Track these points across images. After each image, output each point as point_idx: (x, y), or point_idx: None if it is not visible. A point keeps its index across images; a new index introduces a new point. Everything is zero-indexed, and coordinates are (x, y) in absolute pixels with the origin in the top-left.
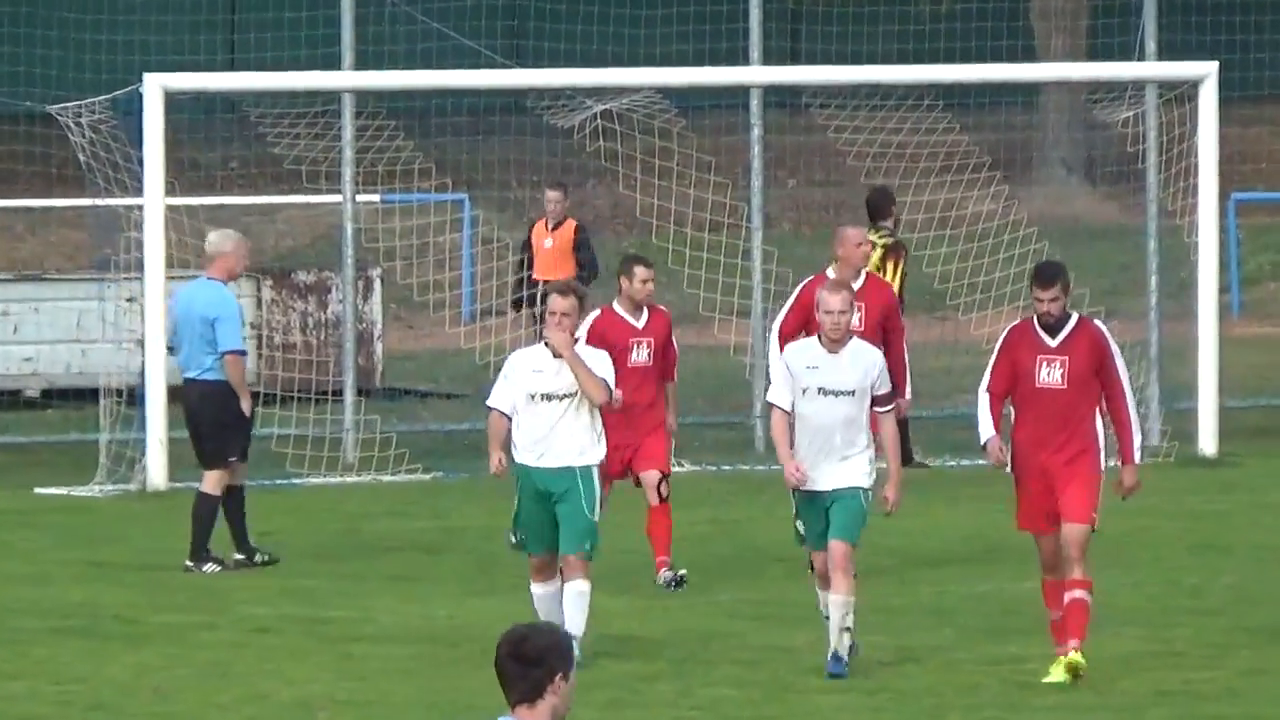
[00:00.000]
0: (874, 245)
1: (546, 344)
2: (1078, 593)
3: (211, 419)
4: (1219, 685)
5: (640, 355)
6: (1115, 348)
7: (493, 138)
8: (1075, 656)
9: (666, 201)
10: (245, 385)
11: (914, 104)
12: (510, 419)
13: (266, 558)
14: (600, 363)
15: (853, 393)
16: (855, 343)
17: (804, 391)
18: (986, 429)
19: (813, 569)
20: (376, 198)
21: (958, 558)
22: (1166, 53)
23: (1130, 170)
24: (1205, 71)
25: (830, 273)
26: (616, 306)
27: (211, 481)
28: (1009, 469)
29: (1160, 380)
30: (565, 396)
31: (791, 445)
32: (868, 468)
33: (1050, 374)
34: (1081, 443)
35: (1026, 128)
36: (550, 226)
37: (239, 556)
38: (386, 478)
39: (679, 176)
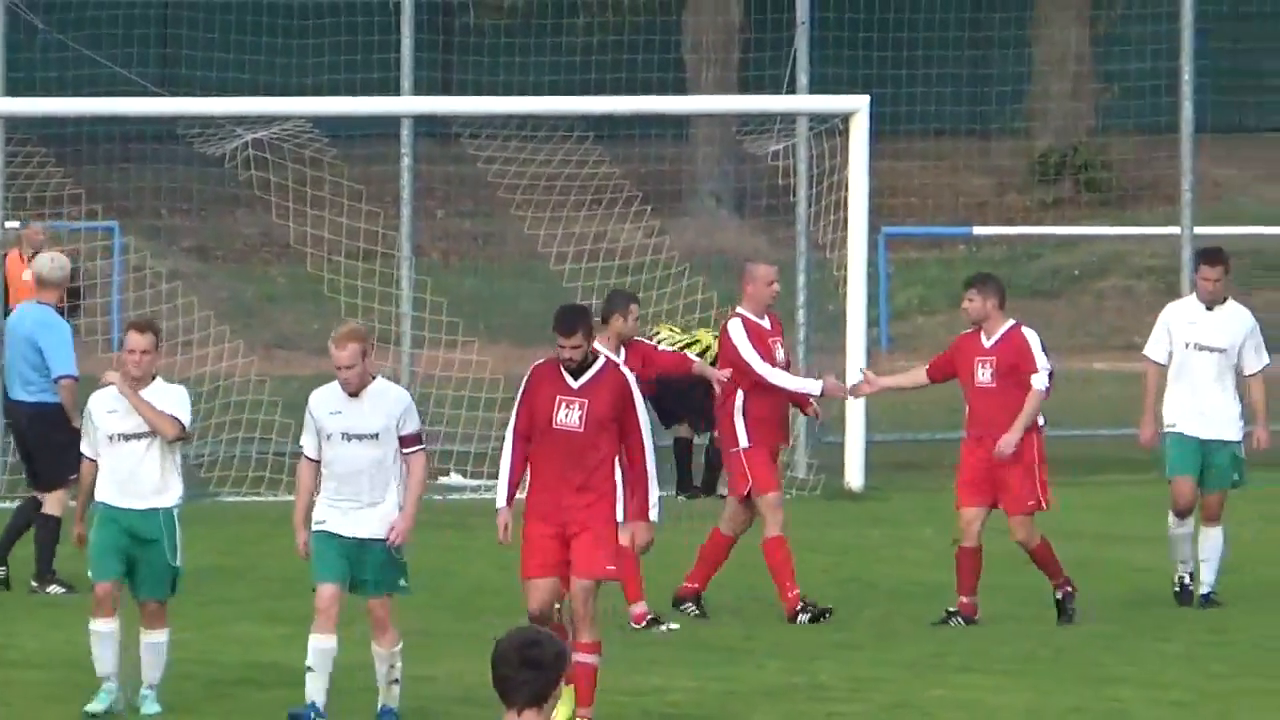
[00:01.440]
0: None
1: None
2: (585, 657)
3: (45, 441)
4: (863, 718)
5: None
6: (639, 396)
7: (144, 165)
8: None
9: (318, 230)
10: (77, 409)
11: (564, 135)
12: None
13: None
14: (173, 399)
15: (376, 435)
16: (378, 384)
17: (329, 437)
18: (501, 494)
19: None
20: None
21: (606, 589)
22: (817, 86)
23: (780, 203)
24: (856, 105)
25: (741, 309)
26: (598, 345)
27: (52, 502)
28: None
29: None
30: (142, 435)
31: (319, 491)
32: (398, 513)
33: (569, 415)
34: (598, 490)
35: (677, 160)
36: (29, 258)
37: None
38: None
39: (330, 205)
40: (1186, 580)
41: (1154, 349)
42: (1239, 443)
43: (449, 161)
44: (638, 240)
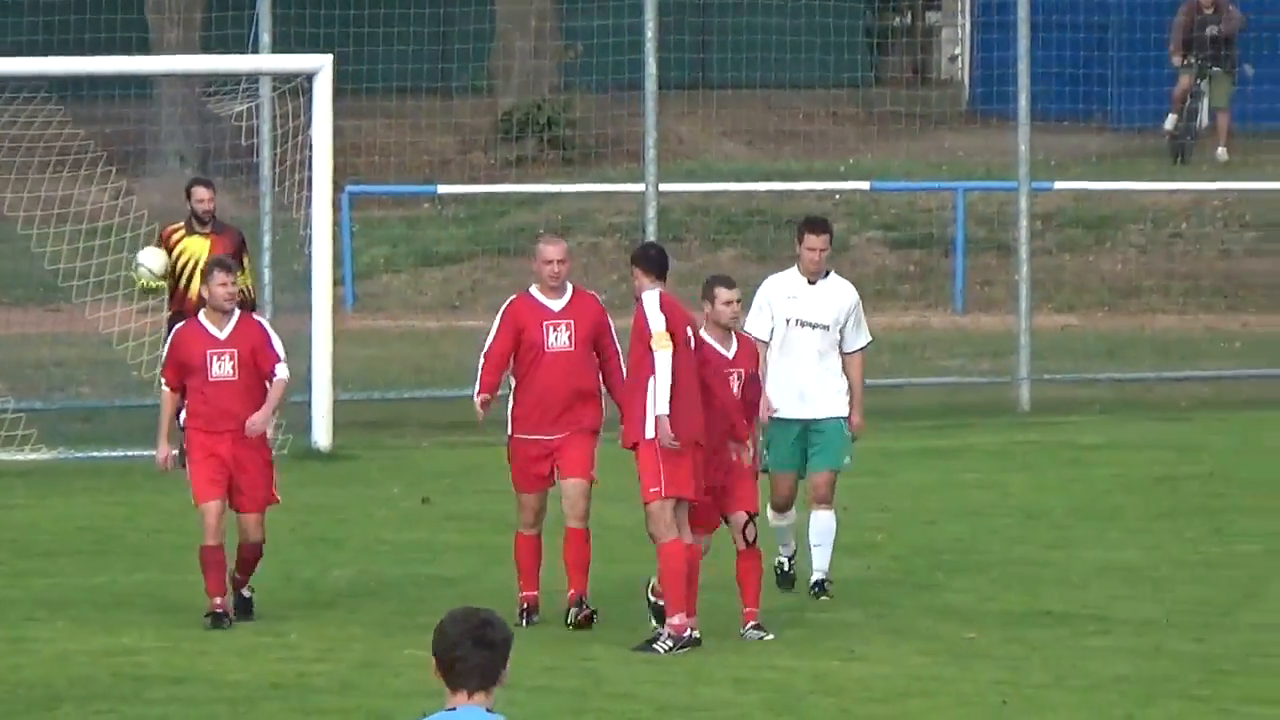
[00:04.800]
0: None
1: None
2: None
3: None
4: (333, 678)
5: (733, 385)
6: None
7: None
8: None
9: None
10: None
11: (28, 97)
12: None
13: None
14: None
15: None
16: None
17: None
18: None
19: None
20: None
21: (71, 549)
22: (280, 45)
23: (245, 163)
24: (318, 64)
25: (534, 291)
26: (704, 333)
27: None
28: None
29: None
30: None
31: None
32: None
33: None
34: None
35: (141, 120)
36: None
37: None
38: None
39: None
40: (786, 565)
41: (756, 325)
42: (846, 419)
43: None
44: (105, 202)
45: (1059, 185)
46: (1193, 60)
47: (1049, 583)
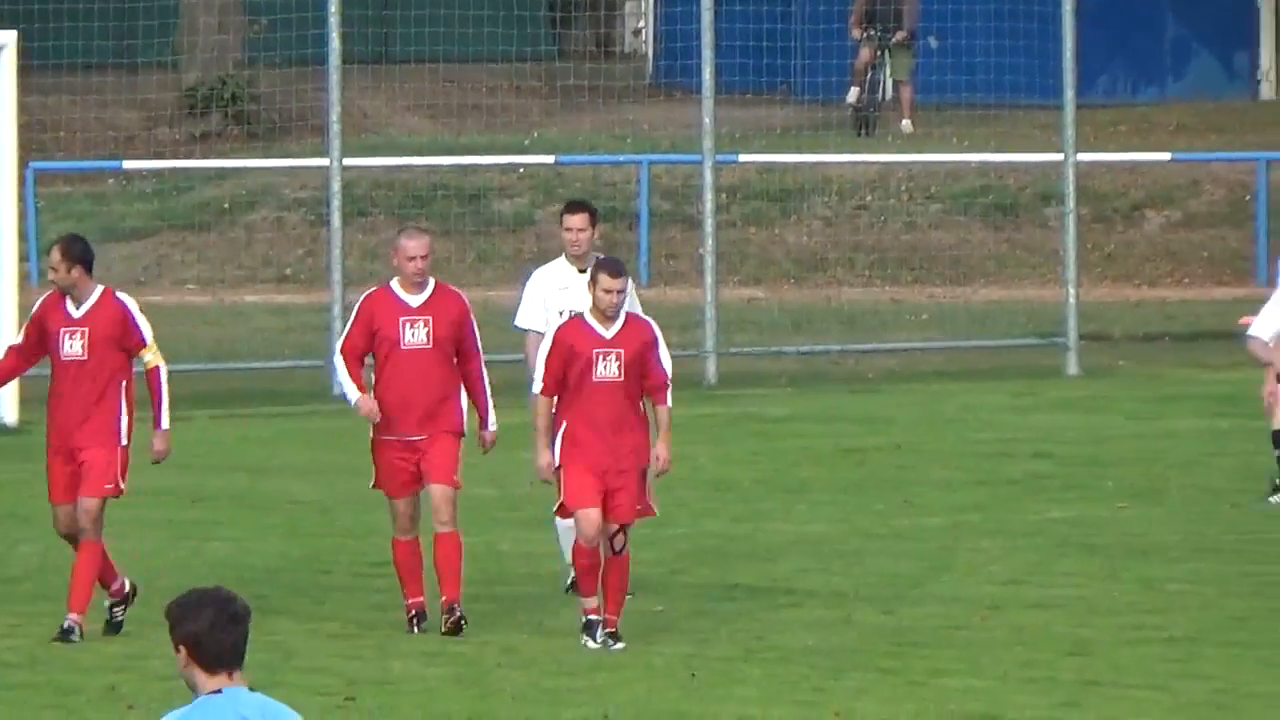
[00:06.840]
0: None
1: None
2: None
3: None
4: (22, 653)
5: (609, 370)
6: None
7: None
8: None
9: None
10: None
11: None
12: None
13: None
14: None
15: None
16: None
17: None
18: None
19: None
20: None
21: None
22: None
23: None
24: (3, 40)
25: (394, 285)
26: (586, 314)
27: None
28: None
29: None
30: None
31: None
32: None
33: None
34: None
35: None
36: None
37: None
38: None
39: None
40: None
41: (529, 318)
42: None
43: None
44: None
45: (744, 158)
46: (873, 32)
47: (738, 556)
